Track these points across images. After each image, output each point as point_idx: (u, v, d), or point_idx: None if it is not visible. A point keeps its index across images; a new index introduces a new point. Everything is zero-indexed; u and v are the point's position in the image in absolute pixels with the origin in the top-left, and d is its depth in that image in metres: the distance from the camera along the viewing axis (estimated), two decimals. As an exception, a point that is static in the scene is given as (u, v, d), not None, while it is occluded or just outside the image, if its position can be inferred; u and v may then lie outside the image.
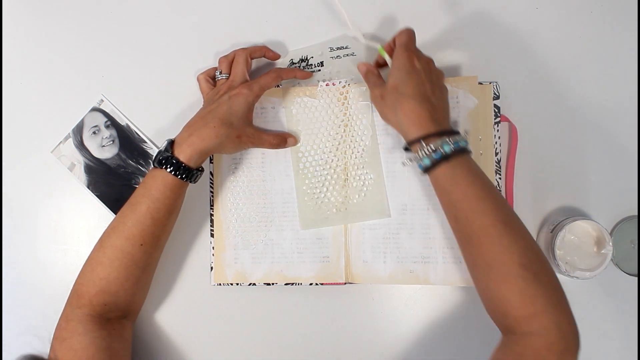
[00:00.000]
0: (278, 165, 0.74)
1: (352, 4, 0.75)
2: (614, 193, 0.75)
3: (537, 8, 0.77)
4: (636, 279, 0.73)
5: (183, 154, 0.64)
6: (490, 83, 0.74)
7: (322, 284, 0.73)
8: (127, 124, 0.77)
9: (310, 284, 0.73)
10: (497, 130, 0.73)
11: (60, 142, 0.77)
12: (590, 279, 0.70)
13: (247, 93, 0.68)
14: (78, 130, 0.77)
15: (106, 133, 0.77)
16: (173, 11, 0.78)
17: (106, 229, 0.66)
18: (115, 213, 0.76)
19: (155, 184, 0.64)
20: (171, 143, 0.65)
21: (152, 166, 0.65)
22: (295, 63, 0.76)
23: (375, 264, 0.72)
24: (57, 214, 0.77)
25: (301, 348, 0.75)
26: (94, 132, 0.77)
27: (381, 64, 0.72)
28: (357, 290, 0.74)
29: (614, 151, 0.75)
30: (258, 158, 0.75)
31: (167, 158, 0.64)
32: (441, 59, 0.76)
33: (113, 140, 0.77)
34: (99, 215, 0.76)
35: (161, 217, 0.65)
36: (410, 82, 0.63)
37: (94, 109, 0.77)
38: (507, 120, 0.74)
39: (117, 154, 0.77)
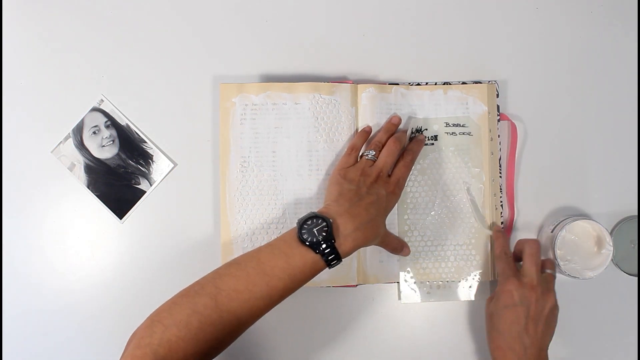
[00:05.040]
0: (290, 164, 0.73)
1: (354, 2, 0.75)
2: (614, 193, 0.75)
3: (537, 8, 0.77)
4: (636, 279, 0.73)
5: (345, 247, 0.59)
6: (490, 82, 0.74)
7: (333, 287, 0.73)
8: (127, 124, 0.77)
9: (321, 287, 0.73)
10: (498, 129, 0.73)
11: (60, 142, 0.77)
12: (590, 279, 0.70)
13: (399, 194, 0.67)
14: (78, 130, 0.77)
15: (106, 133, 0.77)
16: (173, 11, 0.78)
17: (223, 284, 0.57)
18: (116, 213, 0.76)
19: (302, 265, 0.58)
20: (332, 228, 0.59)
21: (299, 240, 0.59)
22: (414, 133, 0.73)
23: (390, 262, 0.73)
24: (57, 214, 0.77)
25: (301, 348, 0.75)
26: (94, 132, 0.77)
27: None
28: (358, 291, 0.74)
29: (614, 151, 0.75)
30: (269, 156, 0.73)
31: (329, 248, 0.58)
32: (441, 59, 0.76)
33: (113, 140, 0.77)
34: (99, 215, 0.76)
35: (288, 295, 0.60)
36: (505, 317, 0.64)
37: (94, 109, 0.77)
38: (507, 118, 0.74)
39: (117, 154, 0.77)
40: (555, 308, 0.65)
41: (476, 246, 0.72)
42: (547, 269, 0.68)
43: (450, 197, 0.73)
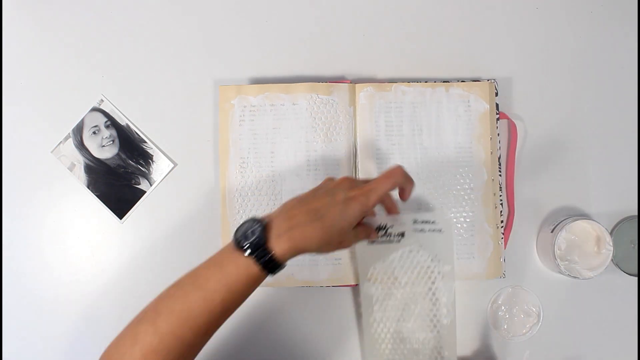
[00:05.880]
0: (288, 164, 0.73)
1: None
2: (614, 193, 0.75)
3: (537, 8, 0.77)
4: (636, 279, 0.73)
5: (279, 248, 0.54)
6: (489, 80, 0.74)
7: (333, 286, 0.73)
8: (127, 124, 0.77)
9: (321, 287, 0.73)
10: (497, 128, 0.73)
11: (60, 142, 0.77)
12: (590, 279, 0.70)
13: (364, 202, 0.58)
14: (78, 130, 0.77)
15: (106, 133, 0.77)
16: (173, 11, 0.78)
17: (162, 306, 0.54)
18: (116, 213, 0.76)
19: (237, 275, 0.54)
20: (264, 228, 0.55)
21: (235, 246, 0.55)
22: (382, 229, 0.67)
23: None
24: (57, 214, 0.77)
25: (300, 347, 0.75)
26: (94, 132, 0.77)
27: None
28: (358, 290, 0.74)
29: (614, 151, 0.75)
30: (267, 157, 0.73)
31: (259, 248, 0.54)
32: (441, 59, 0.76)
33: (113, 140, 0.77)
34: (99, 215, 0.76)
35: (233, 308, 0.56)
36: None
37: (94, 109, 0.77)
38: (506, 117, 0.74)
39: (117, 154, 0.77)
40: None
41: (444, 343, 0.70)
42: None
43: (416, 296, 0.70)
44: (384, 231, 0.67)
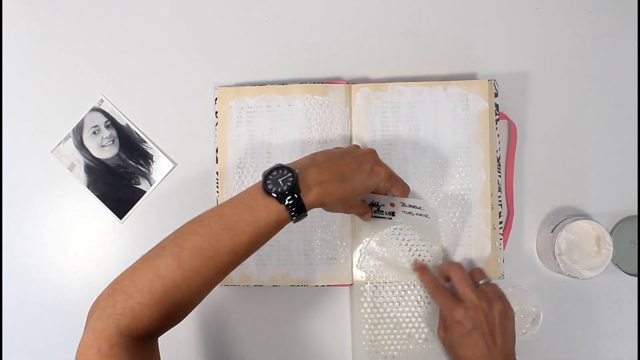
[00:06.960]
0: None
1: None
2: (614, 193, 0.75)
3: (537, 8, 0.77)
4: (636, 279, 0.73)
5: (310, 197, 0.57)
6: (489, 81, 0.74)
7: (328, 286, 0.73)
8: (127, 124, 0.77)
9: (317, 286, 0.73)
10: (497, 128, 0.73)
11: (60, 142, 0.77)
12: (590, 279, 0.69)
13: (385, 179, 0.64)
14: (78, 130, 0.77)
15: (106, 133, 0.77)
16: (172, 12, 0.78)
17: (184, 242, 0.54)
18: (116, 213, 0.76)
19: (267, 219, 0.55)
20: (297, 178, 0.57)
21: (264, 191, 0.57)
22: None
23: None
24: (57, 214, 0.77)
25: (297, 346, 0.75)
26: (94, 132, 0.77)
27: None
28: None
29: (614, 151, 0.75)
30: (264, 158, 0.74)
31: (294, 196, 0.56)
32: (441, 58, 0.76)
33: (113, 140, 0.77)
34: (99, 215, 0.76)
35: (254, 250, 0.57)
36: (465, 345, 0.63)
37: (94, 109, 0.77)
38: (506, 118, 0.74)
39: (117, 154, 0.77)
40: (503, 312, 0.64)
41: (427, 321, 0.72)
42: (479, 280, 0.67)
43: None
44: (377, 207, 0.71)
